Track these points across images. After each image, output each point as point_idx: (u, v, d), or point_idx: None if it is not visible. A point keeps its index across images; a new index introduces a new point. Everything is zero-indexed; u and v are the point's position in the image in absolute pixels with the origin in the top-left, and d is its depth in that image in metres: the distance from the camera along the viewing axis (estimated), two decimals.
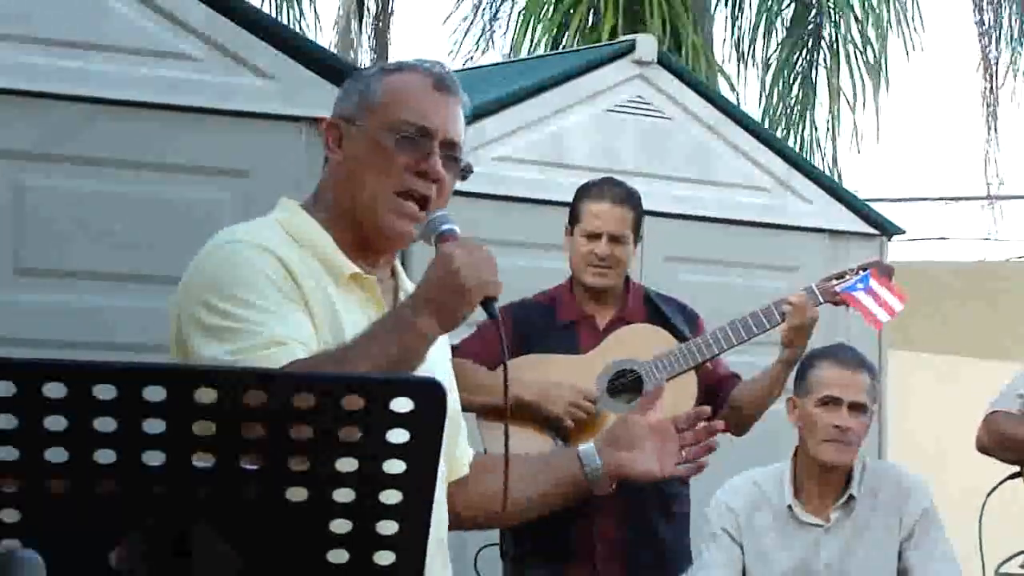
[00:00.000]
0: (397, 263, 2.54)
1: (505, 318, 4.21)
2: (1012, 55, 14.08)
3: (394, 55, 15.05)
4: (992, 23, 14.19)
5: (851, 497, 3.99)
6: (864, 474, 4.03)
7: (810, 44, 12.73)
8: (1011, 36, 14.11)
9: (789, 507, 4.01)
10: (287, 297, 2.29)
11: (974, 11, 14.25)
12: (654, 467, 2.50)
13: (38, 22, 4.30)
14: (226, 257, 2.31)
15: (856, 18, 12.48)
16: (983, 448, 4.42)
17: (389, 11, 15.01)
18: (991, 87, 14.17)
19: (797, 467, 4.05)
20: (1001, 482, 4.37)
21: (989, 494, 4.18)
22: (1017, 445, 4.35)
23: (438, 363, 2.44)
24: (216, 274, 2.30)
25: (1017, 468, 4.42)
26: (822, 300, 4.19)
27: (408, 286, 2.50)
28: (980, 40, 14.24)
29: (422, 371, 2.22)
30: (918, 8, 12.71)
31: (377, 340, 2.21)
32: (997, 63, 14.17)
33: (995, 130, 14.29)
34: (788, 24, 12.79)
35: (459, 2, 13.07)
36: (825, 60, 12.67)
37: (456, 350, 4.20)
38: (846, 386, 3.94)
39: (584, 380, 4.13)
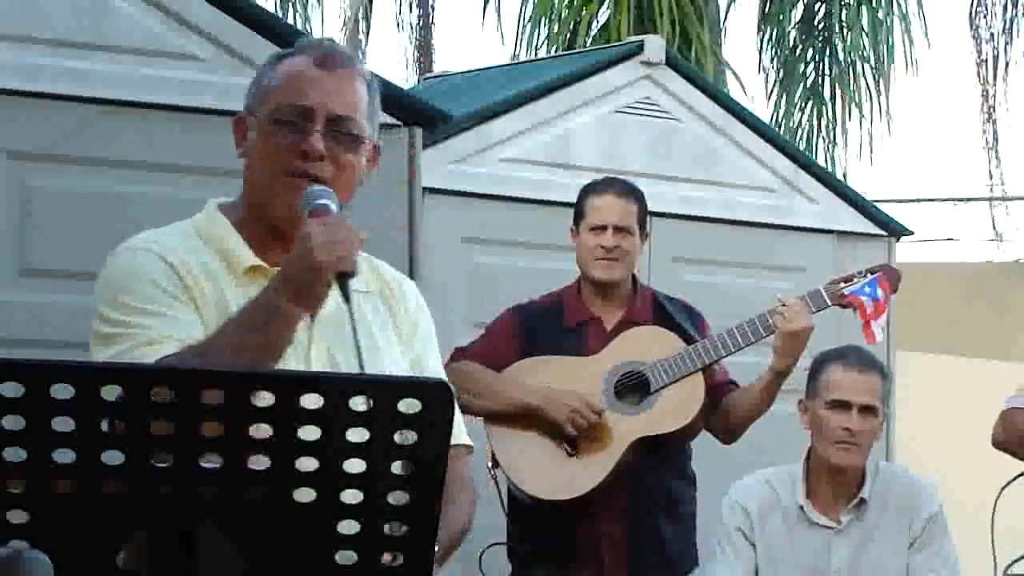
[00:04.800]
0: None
1: (513, 320, 4.24)
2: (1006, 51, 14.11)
3: (439, 61, 15.07)
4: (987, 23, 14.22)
5: (862, 500, 3.99)
6: (876, 477, 4.03)
7: (818, 50, 12.71)
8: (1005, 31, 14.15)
9: (801, 508, 4.01)
10: (174, 297, 2.29)
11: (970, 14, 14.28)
12: None
13: (43, 22, 4.29)
14: (116, 265, 2.36)
15: (863, 28, 12.46)
16: (999, 443, 4.42)
17: (431, 20, 15.01)
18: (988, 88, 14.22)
19: (810, 468, 4.05)
20: (1015, 478, 4.36)
21: (1003, 488, 4.17)
22: None
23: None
24: (105, 284, 2.36)
25: None
26: (829, 303, 4.18)
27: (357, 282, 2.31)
28: (975, 39, 14.28)
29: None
30: (923, 18, 12.71)
31: (242, 326, 2.19)
32: (996, 62, 14.21)
33: (994, 132, 14.33)
34: (796, 30, 12.78)
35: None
36: (832, 68, 12.65)
37: (463, 352, 4.20)
38: (855, 389, 3.95)
39: (590, 380, 4.12)
